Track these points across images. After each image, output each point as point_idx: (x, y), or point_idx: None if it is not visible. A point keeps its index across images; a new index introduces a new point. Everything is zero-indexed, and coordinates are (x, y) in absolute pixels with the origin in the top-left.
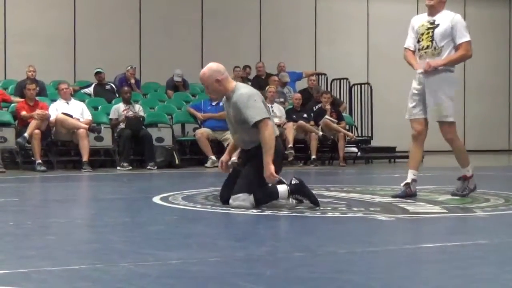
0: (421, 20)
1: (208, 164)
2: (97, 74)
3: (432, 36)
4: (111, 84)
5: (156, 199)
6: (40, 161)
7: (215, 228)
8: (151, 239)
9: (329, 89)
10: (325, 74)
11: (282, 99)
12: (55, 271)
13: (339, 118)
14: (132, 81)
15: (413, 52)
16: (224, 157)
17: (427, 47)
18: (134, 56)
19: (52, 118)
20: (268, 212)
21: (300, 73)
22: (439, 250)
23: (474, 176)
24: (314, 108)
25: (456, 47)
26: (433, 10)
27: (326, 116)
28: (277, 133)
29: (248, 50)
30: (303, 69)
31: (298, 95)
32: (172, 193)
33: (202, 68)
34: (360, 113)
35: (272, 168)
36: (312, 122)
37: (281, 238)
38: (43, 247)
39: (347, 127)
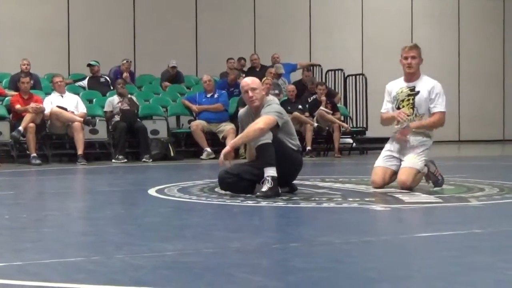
0: (398, 86)
1: (204, 156)
2: (90, 66)
3: (413, 104)
4: (106, 76)
5: (152, 191)
6: (35, 154)
7: (211, 219)
8: (146, 231)
9: (323, 80)
10: (319, 65)
11: (277, 91)
12: (51, 263)
13: (334, 109)
14: (125, 74)
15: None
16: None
17: (409, 114)
18: (129, 48)
19: (47, 111)
20: (263, 203)
21: (294, 64)
22: (434, 240)
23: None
24: (309, 99)
25: (431, 114)
26: (412, 76)
27: (321, 107)
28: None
29: (242, 42)
30: (298, 61)
31: (292, 87)
32: (167, 185)
33: (196, 59)
34: (355, 104)
35: (228, 150)
36: (307, 114)
37: (276, 229)
38: (38, 239)
39: (342, 118)
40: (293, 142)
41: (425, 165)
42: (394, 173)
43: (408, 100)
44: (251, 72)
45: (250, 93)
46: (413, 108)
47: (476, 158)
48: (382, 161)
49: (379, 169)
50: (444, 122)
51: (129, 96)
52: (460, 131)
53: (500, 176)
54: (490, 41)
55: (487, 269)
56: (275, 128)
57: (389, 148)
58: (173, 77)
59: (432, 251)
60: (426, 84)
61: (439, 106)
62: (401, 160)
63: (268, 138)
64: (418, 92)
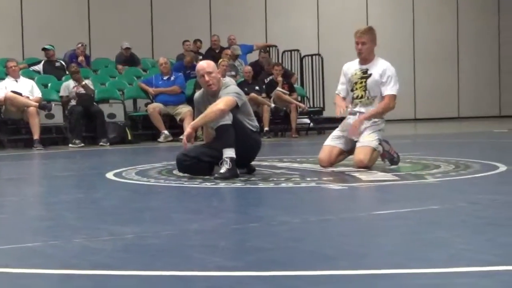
0: (353, 68)
1: (161, 139)
2: (45, 50)
3: (365, 86)
4: (61, 61)
5: (109, 175)
6: None
7: (169, 202)
8: (105, 215)
9: (280, 61)
10: (276, 46)
11: (233, 72)
12: (8, 249)
13: (291, 90)
14: (80, 58)
15: (343, 98)
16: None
17: (361, 96)
18: (83, 31)
19: (1, 97)
20: (221, 185)
21: (251, 45)
22: (392, 217)
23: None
24: (265, 80)
25: (382, 97)
26: (366, 59)
27: (278, 88)
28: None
29: (198, 24)
30: (254, 42)
31: (249, 68)
32: (125, 169)
33: (152, 42)
34: (311, 84)
35: (189, 132)
36: (264, 94)
37: (235, 210)
38: None
39: (299, 98)
40: (252, 123)
41: (379, 144)
42: (342, 152)
43: (361, 83)
44: (210, 53)
45: (207, 77)
46: (365, 91)
47: (432, 135)
48: (330, 140)
49: (326, 147)
50: (394, 105)
51: (84, 82)
52: (416, 109)
53: (455, 153)
54: (444, 20)
55: (443, 245)
56: (235, 108)
57: (340, 128)
58: (128, 59)
59: (390, 228)
60: (378, 67)
61: (390, 89)
62: (350, 140)
63: (228, 120)
64: (370, 75)
